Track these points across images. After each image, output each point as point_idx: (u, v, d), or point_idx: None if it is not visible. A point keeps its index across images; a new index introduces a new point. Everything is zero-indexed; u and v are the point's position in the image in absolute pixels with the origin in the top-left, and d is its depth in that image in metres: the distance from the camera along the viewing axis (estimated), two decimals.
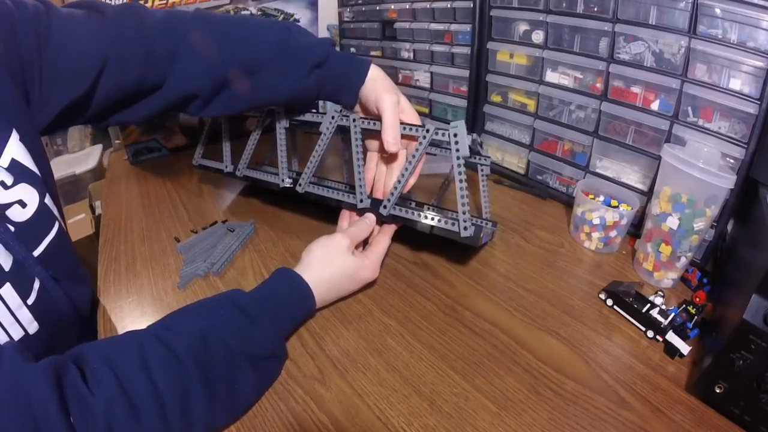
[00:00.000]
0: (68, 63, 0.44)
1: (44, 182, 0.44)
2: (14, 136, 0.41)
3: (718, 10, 0.52)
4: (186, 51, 0.52)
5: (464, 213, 0.51)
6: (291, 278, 0.49)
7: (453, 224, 0.52)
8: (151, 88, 0.52)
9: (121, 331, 0.51)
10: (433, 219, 0.54)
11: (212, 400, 0.37)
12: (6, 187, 0.39)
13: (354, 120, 0.58)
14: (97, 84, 0.46)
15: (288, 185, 0.65)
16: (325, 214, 0.72)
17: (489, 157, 0.66)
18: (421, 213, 0.54)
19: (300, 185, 0.63)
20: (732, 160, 0.54)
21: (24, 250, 0.40)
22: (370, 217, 0.58)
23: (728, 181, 0.49)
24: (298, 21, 1.04)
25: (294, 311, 0.48)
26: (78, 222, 1.37)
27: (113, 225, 0.73)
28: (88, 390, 0.31)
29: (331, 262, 0.51)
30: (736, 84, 0.53)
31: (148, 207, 0.78)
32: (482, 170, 0.67)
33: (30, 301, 0.40)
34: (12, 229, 0.39)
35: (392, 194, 0.55)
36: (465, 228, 0.51)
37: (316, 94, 0.59)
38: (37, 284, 0.42)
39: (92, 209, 1.42)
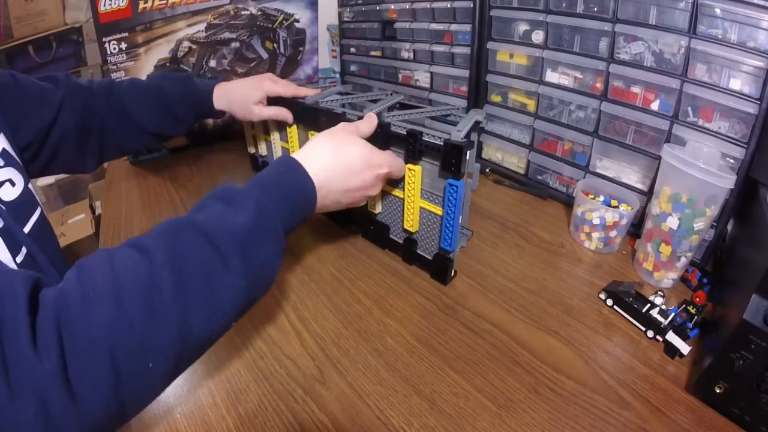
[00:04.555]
0: (34, 94, 0.54)
1: (27, 174, 0.49)
2: (2, 136, 0.46)
3: (718, 10, 0.52)
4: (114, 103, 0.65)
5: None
6: (286, 160, 0.44)
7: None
8: (97, 131, 0.63)
9: None
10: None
11: (183, 286, 0.31)
12: (0, 166, 0.44)
13: None
14: (57, 118, 0.56)
15: None
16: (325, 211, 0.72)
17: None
18: None
19: None
20: (732, 160, 0.54)
21: (15, 224, 0.42)
22: (372, 116, 0.55)
23: (728, 181, 0.49)
24: (298, 21, 1.04)
25: (284, 188, 0.41)
26: (78, 222, 1.36)
27: (113, 225, 0.73)
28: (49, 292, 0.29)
29: (333, 142, 0.47)
30: (736, 84, 0.53)
31: (148, 207, 0.78)
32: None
33: (19, 260, 0.41)
34: (3, 207, 0.42)
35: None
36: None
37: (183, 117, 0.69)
38: (24, 250, 0.42)
39: (92, 209, 1.42)
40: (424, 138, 0.52)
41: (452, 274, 0.58)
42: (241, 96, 0.70)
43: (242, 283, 0.34)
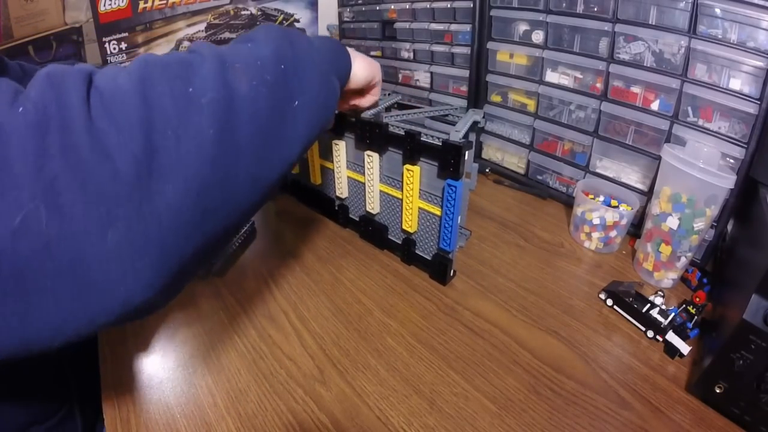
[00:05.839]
0: None
1: None
2: None
3: (718, 10, 0.52)
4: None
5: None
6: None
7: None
8: None
9: (122, 333, 0.51)
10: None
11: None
12: None
13: None
14: None
15: None
16: (325, 212, 0.72)
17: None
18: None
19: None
20: (732, 160, 0.54)
21: None
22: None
23: (728, 181, 0.49)
24: (298, 21, 1.04)
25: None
26: None
27: None
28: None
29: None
30: (736, 84, 0.53)
31: None
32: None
33: None
34: None
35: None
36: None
37: None
38: None
39: None
40: (422, 138, 0.52)
41: (451, 274, 0.58)
42: None
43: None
